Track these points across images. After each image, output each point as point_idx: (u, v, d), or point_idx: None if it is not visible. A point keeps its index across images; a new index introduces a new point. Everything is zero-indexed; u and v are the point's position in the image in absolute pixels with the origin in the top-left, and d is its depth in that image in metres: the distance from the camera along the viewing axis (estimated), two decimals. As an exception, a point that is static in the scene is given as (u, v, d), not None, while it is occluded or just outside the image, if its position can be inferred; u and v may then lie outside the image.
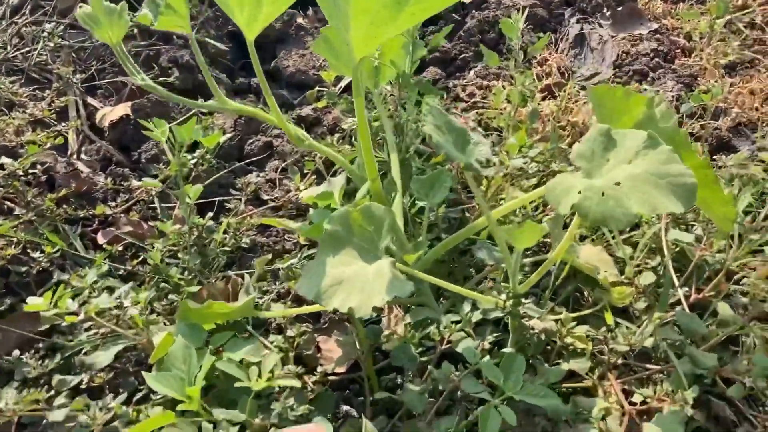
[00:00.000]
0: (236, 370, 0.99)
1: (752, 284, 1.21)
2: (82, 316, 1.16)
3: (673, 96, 1.94)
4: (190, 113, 1.87)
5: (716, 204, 1.04)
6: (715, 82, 1.95)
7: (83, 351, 1.25)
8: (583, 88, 2.10)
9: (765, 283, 1.27)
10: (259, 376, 0.99)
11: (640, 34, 2.25)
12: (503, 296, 1.13)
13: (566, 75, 2.13)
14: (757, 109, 1.85)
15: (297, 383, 1.02)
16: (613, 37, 2.24)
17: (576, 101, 2.00)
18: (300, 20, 2.31)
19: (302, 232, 1.24)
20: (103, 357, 1.12)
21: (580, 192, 0.89)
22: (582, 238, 1.41)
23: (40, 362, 1.23)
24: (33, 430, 1.13)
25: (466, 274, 1.34)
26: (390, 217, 1.06)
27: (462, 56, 2.18)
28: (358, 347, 1.22)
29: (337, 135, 1.79)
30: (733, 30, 2.20)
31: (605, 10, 2.36)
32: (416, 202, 1.41)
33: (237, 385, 0.98)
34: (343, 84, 2.06)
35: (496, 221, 1.11)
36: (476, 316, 1.16)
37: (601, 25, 2.30)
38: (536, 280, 1.12)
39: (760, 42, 2.11)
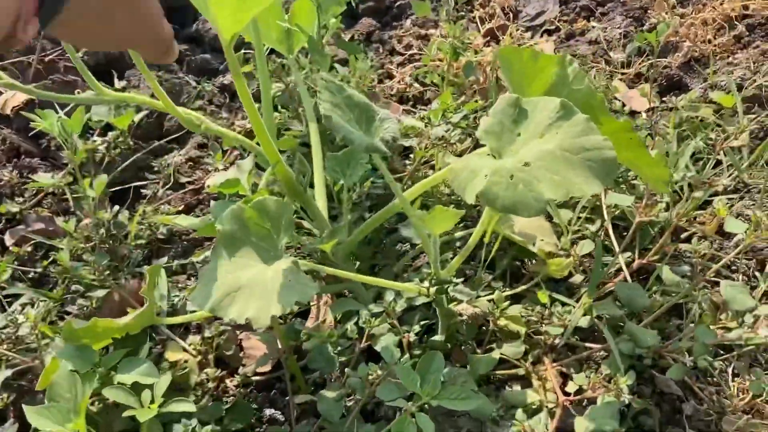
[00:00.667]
0: (124, 396, 0.89)
1: (696, 244, 1.12)
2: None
3: (621, 33, 1.81)
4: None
5: (646, 167, 0.94)
6: (666, 14, 1.82)
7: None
8: (528, 29, 1.96)
9: (713, 240, 1.18)
10: (152, 401, 0.90)
11: (587, -35, 2.10)
12: (426, 283, 1.04)
13: (510, 17, 1.99)
14: (709, 41, 1.73)
15: (191, 408, 0.92)
16: (558, -30, 2.08)
17: (521, 44, 1.87)
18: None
19: (198, 231, 1.13)
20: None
21: (487, 176, 0.78)
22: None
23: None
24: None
25: (396, 253, 1.24)
26: (288, 212, 0.95)
27: (398, 4, 2.02)
28: (279, 346, 1.13)
29: (260, 104, 1.66)
30: (685, -46, 2.05)
31: (551, -60, 2.20)
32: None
33: (125, 414, 0.88)
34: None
35: (410, 205, 1.00)
36: (401, 305, 1.07)
37: (546, -42, 2.14)
38: (459, 263, 1.03)
39: (713, -34, 1.97)
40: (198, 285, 0.93)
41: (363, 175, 1.21)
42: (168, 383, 0.93)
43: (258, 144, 1.25)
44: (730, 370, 1.04)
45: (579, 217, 1.19)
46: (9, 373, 1.03)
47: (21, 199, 1.51)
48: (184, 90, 1.75)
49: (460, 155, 1.33)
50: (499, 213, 0.96)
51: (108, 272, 1.30)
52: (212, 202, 1.27)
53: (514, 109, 0.84)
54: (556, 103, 0.81)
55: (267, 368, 1.17)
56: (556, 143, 0.79)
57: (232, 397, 1.11)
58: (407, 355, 0.97)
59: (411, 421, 0.86)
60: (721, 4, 1.82)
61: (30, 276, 1.36)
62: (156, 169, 1.55)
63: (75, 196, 1.50)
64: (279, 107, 1.61)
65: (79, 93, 1.64)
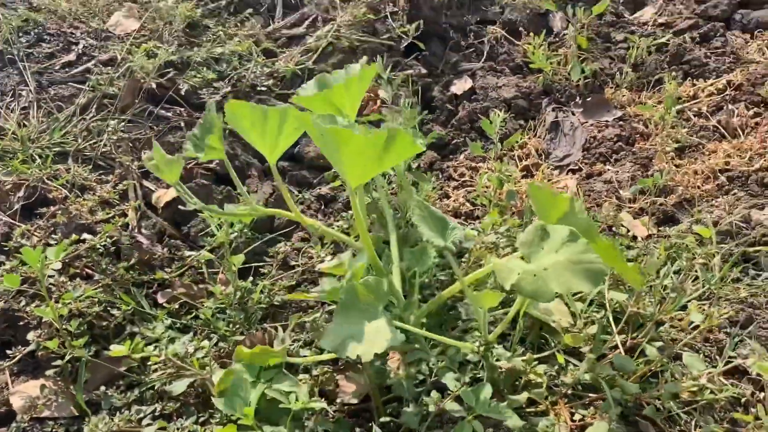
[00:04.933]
0: (281, 395, 1.35)
1: (666, 331, 1.57)
2: (159, 359, 1.54)
3: (629, 176, 2.32)
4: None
5: (627, 273, 1.41)
6: (666, 164, 2.34)
7: (155, 386, 1.62)
8: (557, 168, 2.49)
9: (684, 331, 1.63)
10: (297, 400, 1.35)
11: (606, 121, 2.66)
12: (477, 343, 1.50)
13: (543, 156, 2.53)
14: (698, 187, 2.23)
15: (325, 405, 1.38)
16: (583, 123, 2.64)
17: (550, 179, 2.40)
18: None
19: (320, 298, 1.62)
20: (178, 386, 1.49)
21: (519, 274, 1.27)
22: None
23: (122, 395, 1.60)
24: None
25: (455, 324, 1.70)
26: (383, 287, 1.44)
27: (454, 141, 2.59)
28: (368, 384, 1.58)
29: (350, 211, 2.18)
30: (684, 117, 2.60)
31: (577, 99, 2.78)
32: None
33: (281, 406, 1.34)
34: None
35: (468, 286, 1.48)
36: (459, 357, 1.52)
37: (573, 113, 2.71)
38: (501, 330, 1.49)
39: (705, 128, 2.51)
40: (324, 335, 1.40)
41: (430, 265, 1.70)
42: (309, 384, 1.38)
43: (355, 240, 1.76)
44: (693, 422, 1.46)
45: (589, 306, 1.65)
46: (189, 381, 1.50)
47: (169, 270, 2.02)
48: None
49: (501, 257, 1.82)
50: (527, 298, 1.43)
51: (238, 326, 1.79)
52: (322, 279, 1.76)
53: (541, 231, 1.33)
54: (568, 230, 1.30)
55: (356, 401, 1.61)
56: (566, 256, 1.27)
57: (331, 419, 1.55)
58: (466, 387, 1.41)
59: (469, 425, 1.30)
60: (709, 158, 2.34)
61: (177, 326, 1.85)
62: (270, 254, 2.06)
63: (210, 270, 2.01)
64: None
65: (215, 192, 2.18)
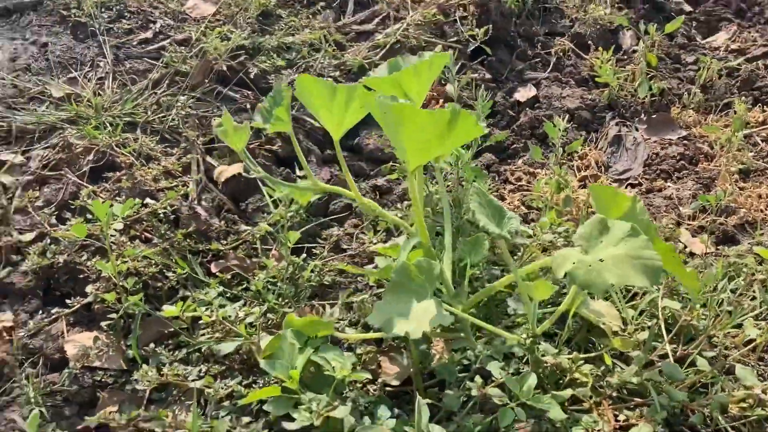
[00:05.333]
0: (326, 362, 1.37)
1: (719, 343, 1.54)
2: (210, 319, 1.57)
3: (691, 193, 2.28)
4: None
5: (685, 278, 1.38)
6: (729, 185, 2.29)
7: (202, 348, 1.66)
8: (616, 181, 2.46)
9: (738, 348, 1.59)
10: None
11: (670, 139, 2.62)
12: (524, 335, 1.49)
13: (602, 169, 2.51)
14: (761, 210, 2.18)
15: (369, 376, 1.39)
16: (646, 139, 2.61)
17: (608, 191, 2.37)
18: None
19: (372, 274, 1.63)
20: (226, 347, 1.52)
21: (574, 263, 1.26)
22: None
23: (170, 353, 1.64)
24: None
25: (502, 319, 1.70)
26: (437, 270, 1.44)
27: (514, 146, 2.58)
28: (411, 367, 1.59)
29: (405, 203, 2.20)
30: (751, 142, 2.55)
31: (642, 116, 2.74)
32: (463, 259, 1.79)
33: (326, 373, 1.36)
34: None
35: (520, 277, 1.48)
36: (505, 349, 1.52)
37: (636, 129, 2.68)
38: (549, 324, 1.48)
39: (772, 154, 2.45)
40: (374, 312, 1.41)
41: (482, 257, 1.70)
42: (352, 360, 1.40)
43: (410, 226, 1.77)
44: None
45: (641, 314, 1.63)
46: (237, 344, 1.53)
47: (224, 242, 2.07)
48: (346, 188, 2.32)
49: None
50: (578, 293, 1.42)
51: (287, 300, 1.82)
52: (376, 259, 1.77)
53: (601, 224, 1.32)
54: (629, 225, 1.29)
55: (397, 383, 1.61)
56: (624, 250, 1.26)
57: (372, 396, 1.56)
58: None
59: (511, 412, 1.29)
60: (775, 184, 2.28)
61: (227, 296, 1.88)
62: (323, 237, 2.09)
63: (263, 246, 2.05)
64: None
65: (275, 173, 2.23)
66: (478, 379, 1.40)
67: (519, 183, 2.39)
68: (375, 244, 2.01)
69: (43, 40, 2.77)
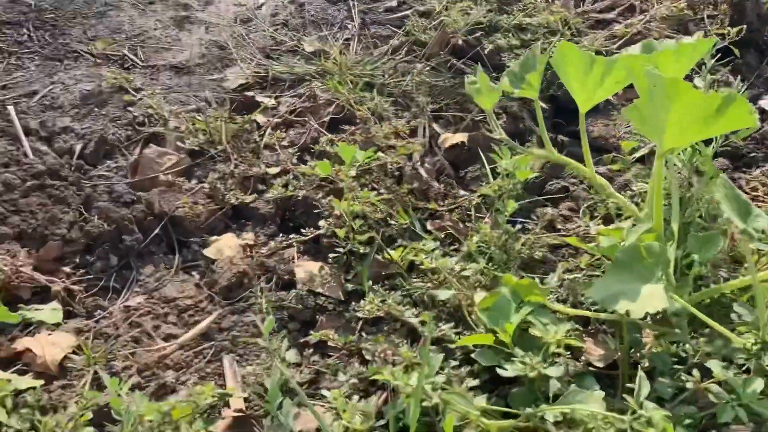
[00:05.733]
0: (541, 324, 1.40)
1: None
2: (429, 266, 1.67)
3: None
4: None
5: None
6: None
7: (415, 293, 1.76)
8: None
9: None
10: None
11: None
12: (752, 340, 1.41)
13: None
14: None
15: (580, 344, 1.40)
16: None
17: None
18: (609, 96, 2.71)
19: (600, 251, 1.63)
20: (443, 294, 1.61)
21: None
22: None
23: (387, 292, 1.76)
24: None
25: (721, 323, 1.62)
26: (667, 255, 1.41)
27: (752, 155, 2.41)
28: (618, 351, 1.57)
29: (626, 192, 2.15)
30: None
31: None
32: (688, 255, 1.72)
33: (534, 335, 1.39)
34: (637, 155, 2.41)
35: (759, 278, 1.40)
36: (725, 352, 1.45)
37: None
38: (786, 334, 1.39)
39: None
40: (594, 287, 1.41)
41: (712, 256, 1.62)
42: (566, 328, 1.42)
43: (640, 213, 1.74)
44: None
45: None
46: (453, 292, 1.62)
47: (441, 204, 2.16)
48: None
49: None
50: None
51: (498, 265, 1.87)
52: (602, 238, 1.76)
53: None
54: None
55: (601, 365, 1.61)
56: None
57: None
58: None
59: (732, 410, 1.24)
60: None
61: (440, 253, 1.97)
62: (537, 215, 2.11)
63: (477, 214, 2.12)
64: (641, 199, 2.09)
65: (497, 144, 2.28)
66: (696, 372, 1.36)
67: (755, 193, 2.23)
68: (590, 228, 1.99)
69: (301, 0, 3.04)
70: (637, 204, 2.08)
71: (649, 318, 1.64)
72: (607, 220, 2.05)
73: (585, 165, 1.72)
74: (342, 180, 1.96)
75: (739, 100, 1.21)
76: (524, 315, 1.42)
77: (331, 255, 1.90)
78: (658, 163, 1.47)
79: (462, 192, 2.20)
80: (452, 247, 1.99)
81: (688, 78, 1.66)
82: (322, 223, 1.96)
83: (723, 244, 1.59)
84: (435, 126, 2.49)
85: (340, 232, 1.85)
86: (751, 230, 1.41)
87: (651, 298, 1.32)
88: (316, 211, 2.03)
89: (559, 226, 2.07)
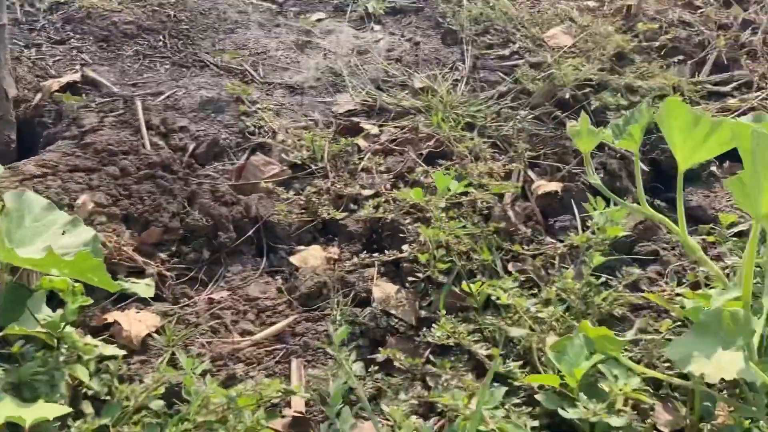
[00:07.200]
0: (609, 375, 1.39)
1: None
2: (504, 302, 1.69)
3: None
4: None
5: None
6: None
7: (487, 329, 1.77)
8: None
9: None
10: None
11: None
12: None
13: None
14: None
15: (649, 401, 1.37)
16: None
17: None
18: (713, 168, 2.64)
19: (683, 312, 1.60)
20: (515, 331, 1.63)
21: None
22: None
23: (458, 323, 1.78)
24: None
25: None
26: (751, 325, 1.37)
27: None
28: (687, 418, 1.52)
29: (718, 264, 2.08)
30: None
31: None
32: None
33: (600, 386, 1.37)
34: (734, 230, 2.33)
35: None
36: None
37: None
38: None
39: None
40: (671, 345, 1.39)
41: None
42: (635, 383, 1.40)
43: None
44: None
45: None
46: (524, 332, 1.62)
47: (527, 247, 2.16)
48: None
49: None
50: None
51: (575, 316, 1.85)
52: (686, 301, 1.71)
53: None
54: None
55: (667, 430, 1.56)
56: None
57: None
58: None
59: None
60: None
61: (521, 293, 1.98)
62: (622, 273, 2.08)
63: (561, 265, 2.10)
64: (732, 274, 2.02)
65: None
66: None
67: None
68: (675, 292, 1.95)
69: (417, 39, 3.17)
70: (727, 275, 2.02)
71: (725, 391, 1.58)
72: (695, 287, 1.99)
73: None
74: (431, 210, 2.01)
75: None
76: (595, 362, 1.41)
77: (409, 279, 1.94)
78: (754, 231, 1.44)
79: (548, 240, 2.20)
80: (530, 291, 1.98)
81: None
82: (405, 247, 2.01)
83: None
84: (530, 173, 2.51)
85: (422, 257, 1.90)
86: None
87: (729, 364, 1.29)
88: (401, 235, 2.08)
89: (643, 287, 2.03)
